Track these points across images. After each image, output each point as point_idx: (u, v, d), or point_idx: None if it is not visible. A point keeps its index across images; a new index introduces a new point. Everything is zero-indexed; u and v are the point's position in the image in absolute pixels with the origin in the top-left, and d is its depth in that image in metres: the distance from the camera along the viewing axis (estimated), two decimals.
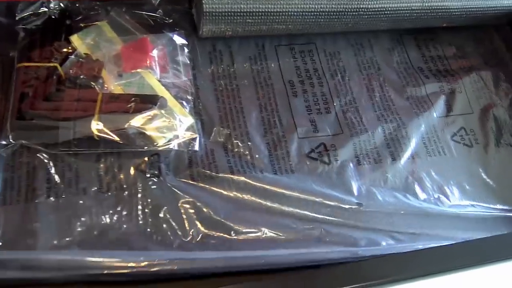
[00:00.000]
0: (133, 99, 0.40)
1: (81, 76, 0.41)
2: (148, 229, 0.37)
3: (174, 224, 0.38)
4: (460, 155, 0.47)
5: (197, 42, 0.47)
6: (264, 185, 0.41)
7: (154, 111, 0.40)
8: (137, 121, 0.40)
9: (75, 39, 0.43)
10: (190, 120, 0.42)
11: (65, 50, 0.43)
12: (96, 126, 0.39)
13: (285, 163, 0.43)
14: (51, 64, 0.41)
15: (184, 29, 0.47)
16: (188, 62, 0.45)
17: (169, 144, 0.40)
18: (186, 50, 0.46)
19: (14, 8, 0.44)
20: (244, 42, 0.48)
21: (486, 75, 0.52)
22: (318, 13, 0.46)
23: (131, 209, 0.38)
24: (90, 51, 0.43)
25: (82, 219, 0.37)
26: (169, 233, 0.38)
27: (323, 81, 0.48)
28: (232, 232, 0.38)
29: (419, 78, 0.50)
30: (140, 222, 0.38)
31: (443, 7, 0.48)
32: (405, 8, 0.47)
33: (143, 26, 0.46)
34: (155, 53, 0.44)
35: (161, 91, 0.42)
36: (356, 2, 0.46)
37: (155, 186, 0.39)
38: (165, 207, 0.38)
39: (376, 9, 0.47)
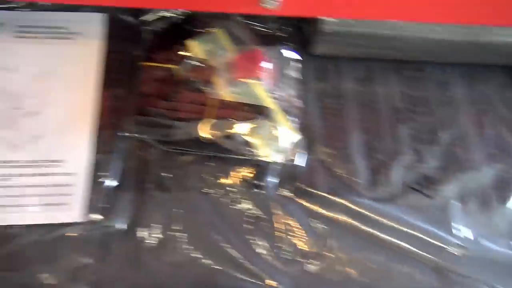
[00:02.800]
0: (243, 107, 0.41)
1: (196, 80, 0.43)
2: (246, 236, 0.38)
3: (268, 235, 0.38)
4: None
5: (306, 58, 0.47)
6: (362, 211, 0.40)
7: (262, 122, 0.41)
8: (244, 129, 0.41)
9: (193, 44, 0.45)
10: (297, 135, 0.42)
11: (183, 54, 0.45)
12: (206, 129, 0.40)
13: (385, 191, 0.42)
14: (172, 66, 0.43)
15: (294, 44, 0.47)
16: (298, 77, 0.45)
17: (273, 156, 0.41)
18: (296, 65, 0.46)
19: (140, 10, 0.47)
20: (352, 62, 0.48)
21: None
22: (432, 42, 0.44)
23: (230, 214, 0.39)
24: (206, 57, 0.45)
25: (185, 215, 0.38)
26: (259, 242, 0.38)
27: (431, 111, 0.46)
28: (325, 252, 0.38)
29: None
30: (236, 227, 0.38)
31: None
32: None
33: (256, 38, 0.47)
34: (266, 65, 0.44)
35: (269, 103, 0.43)
36: (473, 35, 0.44)
37: (256, 196, 0.40)
38: (263, 218, 0.39)
39: (493, 43, 0.44)
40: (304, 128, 0.43)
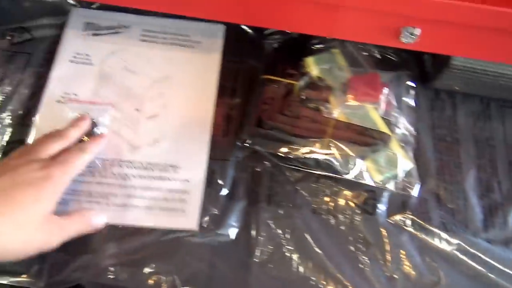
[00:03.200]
0: (363, 131, 0.41)
1: (314, 98, 0.43)
2: (354, 259, 0.38)
3: (376, 262, 0.38)
4: None
5: (422, 88, 0.47)
6: (475, 251, 0.39)
7: (378, 147, 0.41)
8: (360, 152, 0.40)
9: (310, 61, 0.45)
10: (410, 164, 0.41)
11: (301, 70, 0.45)
12: (322, 148, 0.40)
13: (501, 233, 0.40)
14: (291, 81, 0.44)
15: (411, 70, 0.47)
16: (413, 104, 0.45)
17: (386, 183, 0.40)
18: (412, 92, 0.45)
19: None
20: (468, 95, 0.47)
21: None
22: None
23: (339, 234, 0.39)
24: (322, 75, 0.45)
25: (295, 232, 0.38)
26: (366, 268, 0.37)
27: None
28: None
29: None
30: (345, 249, 0.38)
31: None
32: None
33: (371, 60, 0.47)
34: (383, 89, 0.44)
35: (383, 128, 0.42)
36: None
37: (365, 221, 0.39)
38: (372, 243, 0.38)
39: None
40: (416, 158, 0.43)
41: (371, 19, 0.37)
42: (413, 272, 0.37)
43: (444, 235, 0.39)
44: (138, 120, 0.43)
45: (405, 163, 0.41)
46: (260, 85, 0.44)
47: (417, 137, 0.44)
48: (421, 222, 0.40)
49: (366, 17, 0.37)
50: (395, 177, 0.41)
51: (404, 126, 0.44)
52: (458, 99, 0.47)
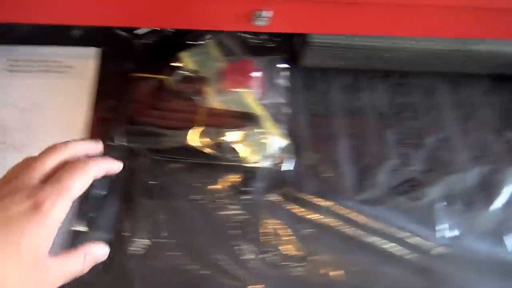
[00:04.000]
0: (232, 115, 0.43)
1: (187, 91, 0.44)
2: (232, 241, 0.39)
3: (255, 240, 0.39)
4: None
5: (295, 68, 0.49)
6: (349, 213, 0.41)
7: (251, 129, 0.42)
8: (234, 137, 0.42)
9: (184, 56, 0.47)
10: (285, 141, 0.43)
11: (175, 65, 0.46)
12: (195, 137, 0.42)
13: (372, 194, 0.43)
14: (163, 77, 0.45)
15: (284, 53, 0.49)
16: (286, 85, 0.47)
17: (262, 162, 0.42)
18: (285, 73, 0.47)
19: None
20: (340, 70, 0.49)
21: None
22: (418, 52, 0.45)
23: (217, 220, 0.40)
24: (197, 67, 0.46)
25: (173, 222, 0.39)
26: (245, 247, 0.39)
27: (417, 116, 0.48)
28: (311, 256, 0.39)
29: None
30: (223, 232, 0.39)
31: None
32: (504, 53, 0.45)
33: (246, 48, 0.49)
34: (256, 74, 0.46)
35: (258, 110, 0.44)
36: (457, 44, 0.45)
37: (244, 202, 0.41)
38: (251, 223, 0.40)
39: (477, 52, 0.46)
40: (292, 134, 0.45)
41: (223, 7, 0.38)
42: (290, 244, 0.39)
43: (319, 203, 0.41)
44: (5, 154, 0.42)
45: (279, 141, 0.43)
46: (131, 84, 0.45)
47: (293, 115, 0.46)
48: (297, 194, 0.42)
49: (219, 5, 0.38)
50: (270, 155, 0.42)
51: (278, 106, 0.46)
52: (330, 75, 0.49)
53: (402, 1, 0.37)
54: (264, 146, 0.42)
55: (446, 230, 0.41)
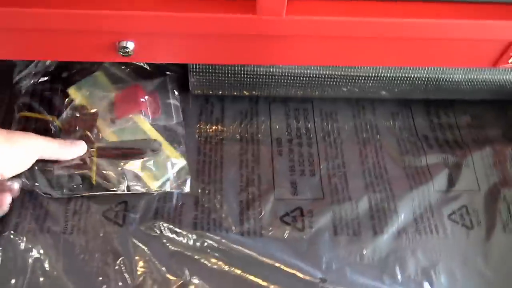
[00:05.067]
0: (127, 145, 0.42)
1: (77, 128, 0.43)
2: (100, 278, 0.37)
3: (126, 275, 0.37)
4: (456, 237, 0.42)
5: (190, 92, 0.48)
6: (226, 246, 0.39)
7: (149, 155, 0.41)
8: (131, 165, 0.41)
9: (72, 91, 0.45)
10: (182, 161, 0.42)
11: (64, 101, 0.45)
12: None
13: (255, 225, 0.41)
14: (49, 117, 0.43)
15: (176, 73, 0.47)
16: (179, 104, 0.46)
17: (163, 186, 0.41)
18: (176, 93, 0.46)
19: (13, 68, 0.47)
20: (238, 96, 0.48)
21: (502, 150, 0.47)
22: (308, 77, 0.44)
23: (89, 253, 0.38)
24: (86, 101, 0.44)
25: (43, 256, 0.38)
26: (119, 283, 0.37)
27: (313, 142, 0.46)
28: None
29: (422, 147, 0.47)
30: (94, 267, 0.38)
31: (449, 80, 0.44)
32: (405, 78, 0.44)
33: (137, 73, 0.48)
34: (146, 98, 0.45)
35: (154, 135, 0.43)
36: (351, 70, 0.44)
37: (115, 234, 0.39)
38: (122, 257, 0.38)
39: (374, 77, 0.44)
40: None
41: (87, 39, 0.37)
42: (159, 277, 0.37)
43: (194, 235, 0.39)
44: None
45: (178, 162, 0.42)
46: (17, 125, 0.43)
47: (184, 140, 0.45)
48: (172, 226, 0.40)
49: (82, 37, 0.37)
50: (168, 178, 0.41)
51: (173, 127, 0.44)
52: (227, 101, 0.48)
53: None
54: (163, 170, 0.41)
55: (330, 261, 0.39)
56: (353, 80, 0.45)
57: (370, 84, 0.45)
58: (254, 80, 0.44)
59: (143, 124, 0.44)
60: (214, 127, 0.47)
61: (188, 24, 0.36)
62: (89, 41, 0.38)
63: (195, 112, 0.47)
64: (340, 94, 0.47)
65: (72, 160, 0.40)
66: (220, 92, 0.46)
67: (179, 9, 0.35)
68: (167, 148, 0.43)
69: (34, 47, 0.39)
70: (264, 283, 0.38)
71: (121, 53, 0.38)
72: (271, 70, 0.43)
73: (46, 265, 0.37)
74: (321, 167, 0.45)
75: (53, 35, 0.37)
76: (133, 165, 0.41)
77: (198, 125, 0.46)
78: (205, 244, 0.39)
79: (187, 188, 0.42)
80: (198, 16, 0.35)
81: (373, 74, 0.44)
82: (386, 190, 0.44)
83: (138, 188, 0.41)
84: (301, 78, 0.44)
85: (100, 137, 0.42)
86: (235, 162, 0.44)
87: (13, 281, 0.36)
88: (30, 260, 0.37)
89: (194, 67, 0.42)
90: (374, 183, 0.44)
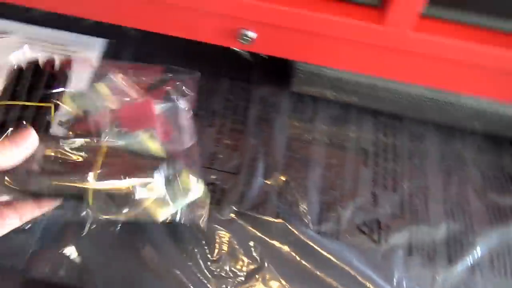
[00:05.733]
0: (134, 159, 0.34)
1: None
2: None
3: (205, 249, 0.39)
4: None
5: (286, 90, 0.49)
6: (303, 241, 0.40)
7: (157, 174, 0.33)
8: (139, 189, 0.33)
9: (66, 100, 0.43)
10: (200, 188, 0.36)
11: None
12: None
13: (332, 227, 0.42)
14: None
15: (190, 89, 0.44)
16: (191, 126, 0.41)
17: (173, 216, 0.35)
18: (189, 114, 0.42)
19: None
20: (331, 100, 0.49)
21: None
22: (410, 96, 0.45)
23: None
24: (81, 109, 0.42)
25: None
26: (198, 253, 0.39)
27: (399, 159, 0.47)
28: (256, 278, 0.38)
29: (507, 186, 0.46)
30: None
31: None
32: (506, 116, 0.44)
33: (144, 88, 0.43)
34: (158, 116, 0.40)
35: (163, 154, 0.37)
36: (454, 96, 0.44)
37: None
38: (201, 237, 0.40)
39: (473, 107, 0.44)
40: (268, 154, 0.45)
41: (210, 20, 0.40)
42: (239, 261, 0.39)
43: (273, 221, 0.41)
44: None
45: (194, 189, 0.35)
46: None
47: (270, 133, 0.46)
48: (254, 213, 0.41)
49: (207, 18, 0.39)
50: (183, 208, 0.36)
51: (187, 151, 0.39)
52: (320, 103, 0.49)
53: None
54: (173, 198, 0.34)
55: (401, 280, 0.40)
56: (450, 107, 0.45)
57: (463, 115, 0.45)
58: (356, 88, 0.45)
59: (152, 143, 0.37)
60: (305, 126, 0.48)
61: (313, 23, 0.37)
62: (212, 23, 0.40)
63: (289, 108, 0.49)
64: (433, 119, 0.48)
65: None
66: (317, 94, 0.47)
67: (307, 7, 0.36)
68: (184, 172, 0.35)
69: (157, 20, 0.41)
70: (334, 283, 0.39)
71: (241, 40, 0.40)
72: (375, 82, 0.44)
73: None
74: (403, 185, 0.45)
75: (178, 11, 0.40)
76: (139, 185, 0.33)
77: (290, 122, 0.48)
78: (284, 234, 0.41)
79: (203, 223, 0.37)
80: (324, 17, 0.36)
81: (476, 106, 0.44)
82: (465, 222, 0.43)
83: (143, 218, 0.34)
84: (402, 95, 0.45)
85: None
86: (321, 163, 0.45)
87: None
88: None
89: (303, 66, 0.44)
90: (455, 212, 0.44)
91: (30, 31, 0.50)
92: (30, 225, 0.38)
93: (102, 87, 0.42)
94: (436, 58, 0.37)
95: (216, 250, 0.39)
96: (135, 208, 0.33)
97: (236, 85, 0.50)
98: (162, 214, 0.34)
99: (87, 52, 0.50)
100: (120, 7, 0.40)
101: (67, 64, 0.48)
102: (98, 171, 0.32)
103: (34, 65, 0.47)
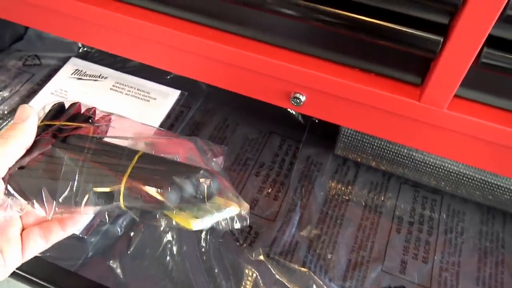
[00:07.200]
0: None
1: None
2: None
3: (230, 277, 0.42)
4: None
5: (330, 152, 0.53)
6: None
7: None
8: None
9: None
10: (235, 209, 0.33)
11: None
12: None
13: (356, 285, 0.43)
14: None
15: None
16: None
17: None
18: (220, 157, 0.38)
19: None
20: (373, 167, 0.52)
21: None
22: (450, 172, 0.47)
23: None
24: None
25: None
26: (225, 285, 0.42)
27: (434, 232, 0.48)
28: None
29: None
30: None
31: None
32: None
33: None
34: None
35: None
36: (493, 176, 0.45)
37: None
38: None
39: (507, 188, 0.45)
40: (305, 208, 0.48)
41: (269, 83, 0.46)
42: None
43: (300, 272, 0.43)
44: None
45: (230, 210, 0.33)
46: None
47: (311, 190, 0.50)
48: (283, 259, 0.44)
49: (265, 80, 0.46)
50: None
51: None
52: (362, 169, 0.53)
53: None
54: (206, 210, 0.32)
55: None
56: (490, 188, 0.46)
57: (506, 197, 0.46)
58: (395, 158, 0.48)
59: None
60: (344, 187, 0.51)
61: (357, 94, 0.42)
62: (272, 85, 0.46)
63: (331, 169, 0.52)
64: (473, 197, 0.48)
65: None
66: (359, 160, 0.51)
67: (352, 79, 0.41)
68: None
69: (226, 78, 0.48)
70: None
71: (293, 102, 0.46)
72: (414, 154, 0.47)
73: None
74: (435, 257, 0.45)
75: (244, 73, 0.46)
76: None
77: (330, 181, 0.51)
78: (307, 283, 0.43)
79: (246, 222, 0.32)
80: (368, 90, 0.41)
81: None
82: None
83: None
84: (440, 170, 0.47)
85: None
86: (355, 224, 0.48)
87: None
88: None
89: (346, 131, 0.48)
90: None
91: (120, 77, 0.60)
92: (85, 236, 0.44)
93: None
94: (468, 136, 0.40)
95: (241, 286, 0.42)
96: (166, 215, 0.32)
97: (286, 143, 0.55)
98: (195, 225, 0.32)
99: (165, 99, 0.58)
100: (195, 65, 0.48)
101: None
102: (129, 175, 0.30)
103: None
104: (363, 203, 0.50)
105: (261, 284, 0.42)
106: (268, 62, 0.44)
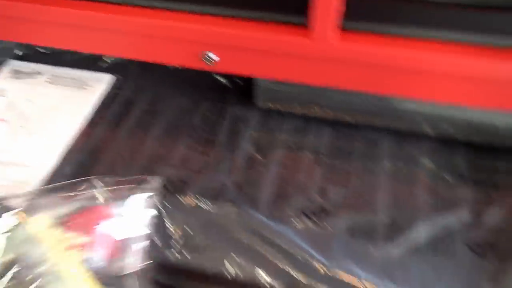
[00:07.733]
0: None
1: None
2: None
3: None
4: None
5: (254, 107, 0.58)
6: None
7: None
8: None
9: None
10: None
11: None
12: None
13: (282, 213, 0.47)
14: None
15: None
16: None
17: None
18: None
19: None
20: (293, 114, 0.56)
21: None
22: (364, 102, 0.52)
23: None
24: None
25: None
26: None
27: (351, 161, 0.52)
28: None
29: (454, 183, 0.50)
30: None
31: None
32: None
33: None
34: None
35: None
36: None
37: None
38: None
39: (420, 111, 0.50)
40: None
41: (176, 45, 0.50)
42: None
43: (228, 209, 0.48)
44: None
45: None
46: None
47: (240, 145, 0.54)
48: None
49: (173, 43, 0.50)
50: None
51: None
52: (286, 116, 0.57)
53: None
54: None
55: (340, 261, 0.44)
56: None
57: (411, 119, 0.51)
58: (311, 100, 0.53)
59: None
60: (270, 136, 0.56)
61: (256, 42, 0.47)
62: (180, 47, 0.50)
63: (256, 121, 0.57)
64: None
65: None
66: (281, 108, 0.56)
67: (248, 30, 0.46)
68: None
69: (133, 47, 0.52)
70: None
71: (206, 62, 0.50)
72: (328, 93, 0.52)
73: None
74: (352, 181, 0.50)
75: (151, 39, 0.51)
76: None
77: (256, 132, 0.56)
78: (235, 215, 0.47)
79: None
80: (264, 37, 0.46)
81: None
82: (408, 209, 0.47)
83: None
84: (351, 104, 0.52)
85: None
86: (279, 164, 0.52)
87: None
88: None
89: (260, 82, 0.53)
90: (400, 201, 0.48)
91: (55, 71, 0.64)
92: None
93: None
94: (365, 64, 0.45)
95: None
96: None
97: (216, 107, 0.60)
98: None
99: (98, 85, 0.62)
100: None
101: None
102: None
103: None
104: (287, 146, 0.54)
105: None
106: (171, 25, 0.49)
